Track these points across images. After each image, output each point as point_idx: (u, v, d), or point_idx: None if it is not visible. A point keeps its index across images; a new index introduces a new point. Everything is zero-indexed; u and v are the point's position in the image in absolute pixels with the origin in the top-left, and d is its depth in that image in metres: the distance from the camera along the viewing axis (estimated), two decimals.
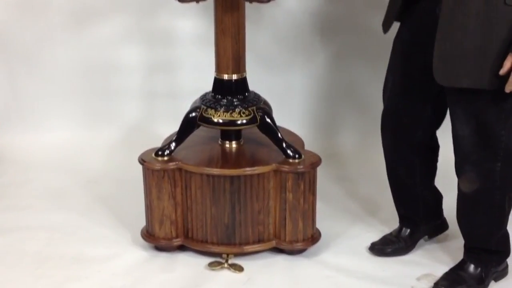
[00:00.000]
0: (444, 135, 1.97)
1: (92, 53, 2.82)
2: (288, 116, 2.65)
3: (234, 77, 2.06)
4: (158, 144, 2.17)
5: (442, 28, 1.65)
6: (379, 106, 2.06)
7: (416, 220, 2.11)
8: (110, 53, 2.83)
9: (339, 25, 2.77)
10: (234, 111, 2.04)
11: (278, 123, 2.10)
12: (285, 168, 2.00)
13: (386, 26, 1.90)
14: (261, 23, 2.75)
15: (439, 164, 2.07)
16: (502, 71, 1.61)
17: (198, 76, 2.75)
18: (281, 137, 2.05)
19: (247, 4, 1.90)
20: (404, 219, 2.14)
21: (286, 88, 2.87)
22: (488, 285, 1.93)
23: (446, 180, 2.12)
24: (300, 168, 2.00)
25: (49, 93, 2.88)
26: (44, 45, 2.80)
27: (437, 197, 2.13)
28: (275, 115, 2.16)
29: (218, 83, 2.09)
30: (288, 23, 2.78)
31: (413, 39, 1.83)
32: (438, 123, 1.98)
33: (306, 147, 2.21)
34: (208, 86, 2.14)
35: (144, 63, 2.86)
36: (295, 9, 2.72)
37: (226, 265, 2.02)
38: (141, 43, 2.83)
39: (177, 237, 2.09)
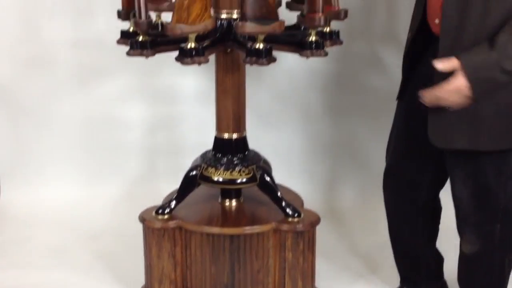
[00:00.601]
0: (446, 196, 1.97)
1: (95, 109, 2.86)
2: (288, 172, 2.67)
3: (234, 136, 2.09)
4: (159, 200, 2.18)
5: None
6: (379, 163, 2.08)
7: (417, 281, 2.10)
8: (113, 109, 2.87)
9: (339, 83, 2.81)
10: (234, 170, 2.06)
11: (277, 179, 2.11)
12: (285, 227, 2.01)
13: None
14: (261, 80, 2.80)
15: (441, 225, 2.07)
16: (441, 65, 1.61)
17: (199, 133, 2.79)
18: (280, 196, 2.06)
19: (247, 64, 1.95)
20: (405, 279, 2.13)
21: (286, 145, 2.89)
22: None
23: (447, 241, 2.11)
24: (299, 227, 2.01)
25: (52, 148, 2.91)
26: (49, 101, 2.85)
27: (439, 259, 2.12)
28: (274, 171, 2.17)
29: (219, 142, 2.11)
30: (288, 80, 2.82)
31: (415, 101, 1.86)
32: (441, 183, 1.98)
33: (306, 203, 2.22)
34: (209, 142, 2.17)
35: (146, 119, 2.90)
36: (295, 67, 2.77)
37: None
38: (144, 100, 2.87)
39: None
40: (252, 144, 2.17)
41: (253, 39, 1.78)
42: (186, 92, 2.85)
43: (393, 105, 2.04)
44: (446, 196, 1.95)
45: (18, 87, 2.81)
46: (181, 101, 2.87)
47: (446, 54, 1.63)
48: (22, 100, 2.84)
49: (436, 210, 2.05)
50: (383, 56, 2.72)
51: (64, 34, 2.75)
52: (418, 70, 1.84)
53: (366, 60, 2.74)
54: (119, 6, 1.99)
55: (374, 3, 2.68)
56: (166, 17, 2.06)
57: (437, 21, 1.70)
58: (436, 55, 1.66)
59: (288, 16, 1.97)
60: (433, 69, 1.64)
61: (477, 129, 1.66)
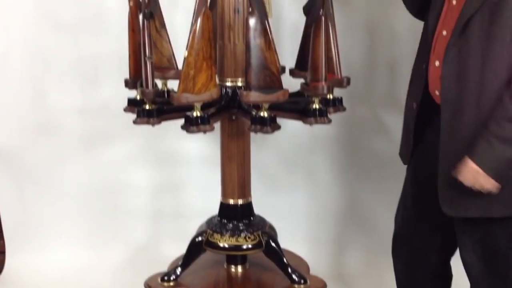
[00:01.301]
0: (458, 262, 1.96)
1: (100, 174, 2.88)
2: (293, 236, 2.66)
3: (240, 202, 2.10)
4: (165, 265, 2.18)
5: (443, 159, 1.70)
6: (385, 227, 2.08)
7: None
8: (118, 174, 2.89)
9: (343, 147, 2.84)
10: (240, 236, 2.06)
11: (283, 244, 2.11)
12: None
13: (403, 158, 1.95)
14: (266, 144, 2.83)
15: None
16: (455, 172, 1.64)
17: (205, 197, 2.79)
18: (286, 262, 2.06)
19: None
20: None
21: (291, 209, 2.90)
22: None
23: None
24: None
25: (57, 213, 2.91)
26: (55, 167, 2.87)
27: None
28: (280, 235, 2.18)
29: (224, 208, 2.12)
30: (292, 144, 2.85)
31: (423, 166, 1.88)
32: (451, 250, 1.96)
33: (312, 268, 2.21)
34: (214, 207, 2.18)
35: (152, 184, 2.92)
36: (299, 131, 2.80)
37: None
38: (149, 164, 2.90)
39: None
40: (257, 208, 2.18)
41: (258, 107, 1.81)
42: (191, 156, 2.88)
43: (397, 168, 2.06)
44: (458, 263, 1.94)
45: (25, 153, 2.84)
46: (186, 165, 2.89)
47: (449, 127, 1.67)
48: (28, 166, 2.86)
49: (446, 277, 2.03)
50: (386, 120, 2.75)
51: (71, 101, 2.79)
52: (425, 138, 1.86)
53: (370, 124, 2.78)
54: (125, 73, 2.04)
55: (375, 69, 2.73)
56: (172, 84, 2.11)
57: (437, 92, 1.73)
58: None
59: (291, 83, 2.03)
60: (438, 139, 1.67)
61: (490, 198, 1.66)
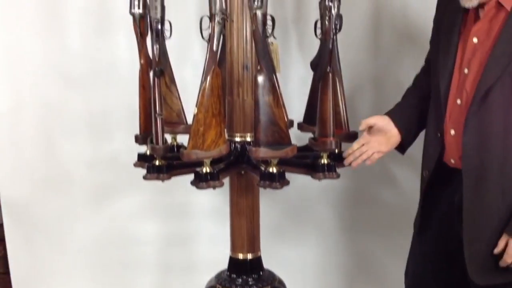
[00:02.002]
0: None
1: (109, 226, 2.89)
2: None
3: (249, 256, 2.10)
4: None
5: (468, 228, 1.70)
6: (394, 280, 2.06)
7: None
8: (127, 226, 2.90)
9: (351, 199, 2.84)
10: None
11: None
12: None
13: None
14: (275, 197, 2.83)
15: None
16: (497, 250, 1.64)
17: (213, 250, 2.79)
18: None
19: None
20: None
21: (300, 261, 2.88)
22: None
23: None
24: None
25: (66, 266, 2.91)
26: (64, 219, 2.88)
27: None
28: None
29: (233, 262, 2.12)
30: (300, 196, 2.85)
31: (431, 227, 1.88)
32: None
33: None
34: (223, 260, 2.17)
35: (160, 237, 2.92)
36: (308, 183, 2.79)
37: None
38: (158, 217, 2.90)
39: None
40: (266, 261, 2.17)
41: (267, 162, 1.83)
42: (200, 209, 2.88)
43: (406, 219, 2.06)
44: None
45: (34, 206, 2.86)
46: (195, 218, 2.89)
47: (472, 195, 1.67)
48: (38, 219, 2.87)
49: None
50: (395, 171, 2.76)
51: (81, 154, 2.82)
52: (441, 205, 1.86)
53: (378, 176, 2.78)
54: (134, 126, 2.06)
55: None
56: (182, 138, 2.14)
57: (452, 161, 1.75)
58: (456, 192, 1.70)
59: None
60: (459, 207, 1.68)
61: None
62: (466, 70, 1.69)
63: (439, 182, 1.84)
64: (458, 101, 1.72)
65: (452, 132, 1.74)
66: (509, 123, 1.60)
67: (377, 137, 1.93)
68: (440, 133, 1.79)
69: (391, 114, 1.96)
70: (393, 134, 1.94)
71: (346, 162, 1.90)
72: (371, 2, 2.64)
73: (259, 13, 1.71)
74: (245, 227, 2.07)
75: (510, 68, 1.58)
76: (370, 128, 1.94)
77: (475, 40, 1.68)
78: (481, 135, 1.65)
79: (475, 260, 1.71)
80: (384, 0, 2.63)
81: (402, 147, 1.99)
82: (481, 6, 1.68)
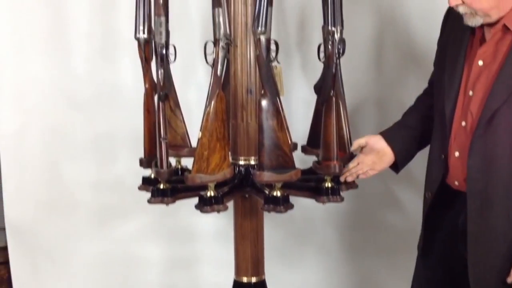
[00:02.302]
0: None
1: (113, 248, 2.89)
2: None
3: (254, 280, 2.09)
4: None
5: (473, 252, 1.69)
6: None
7: None
8: (131, 248, 2.90)
9: (355, 221, 2.84)
10: None
11: None
12: None
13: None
14: (278, 220, 2.82)
15: None
16: (510, 279, 1.63)
17: (217, 273, 2.78)
18: None
19: None
20: None
21: (304, 284, 2.87)
22: None
23: None
24: None
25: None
26: (69, 242, 2.88)
27: None
28: None
29: (238, 286, 2.11)
30: (304, 218, 2.85)
31: (435, 249, 1.87)
32: None
33: None
34: (227, 282, 2.17)
35: (164, 259, 2.92)
36: (311, 206, 2.79)
37: None
38: (162, 239, 2.90)
39: None
40: (270, 283, 2.16)
41: (271, 186, 1.83)
42: (204, 232, 2.89)
43: (410, 242, 2.05)
44: None
45: (39, 228, 2.86)
46: (198, 241, 2.89)
47: (477, 218, 1.67)
48: (42, 241, 2.87)
49: None
50: (399, 194, 2.76)
51: (86, 176, 2.83)
52: (444, 227, 1.86)
53: (382, 198, 2.78)
54: (139, 148, 2.07)
55: None
56: (186, 161, 2.14)
57: (456, 183, 1.75)
58: (460, 215, 1.71)
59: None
60: (463, 230, 1.68)
61: None
62: (471, 93, 1.70)
63: (441, 204, 1.84)
64: (463, 123, 1.72)
65: (457, 154, 1.74)
66: None
67: (371, 156, 1.95)
68: (444, 155, 1.79)
69: (384, 132, 1.98)
70: (386, 153, 1.95)
71: (341, 178, 1.93)
72: (375, 24, 2.66)
73: (263, 38, 1.73)
74: (249, 250, 2.07)
75: None
76: (363, 148, 1.95)
77: (480, 62, 1.69)
78: (487, 158, 1.65)
79: (480, 283, 1.70)
80: (387, 22, 2.65)
81: (396, 166, 1.98)
82: (487, 26, 1.68)
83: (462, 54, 1.75)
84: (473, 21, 1.66)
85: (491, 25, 1.67)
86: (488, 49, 1.68)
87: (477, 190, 1.67)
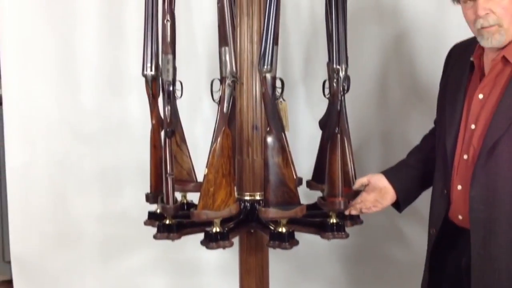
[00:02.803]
0: None
1: (119, 281, 2.89)
2: None
3: None
4: None
5: (477, 283, 1.68)
6: None
7: None
8: (136, 282, 2.89)
9: (360, 255, 2.83)
10: None
11: None
12: None
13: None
14: (284, 254, 2.78)
15: None
16: None
17: None
18: None
19: None
20: None
21: None
22: None
23: None
24: None
25: None
26: (74, 275, 2.88)
27: None
28: None
29: None
30: (309, 254, 2.84)
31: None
32: None
33: None
34: None
35: None
36: (317, 240, 2.78)
37: None
38: (166, 273, 2.90)
39: None
40: None
41: (276, 222, 1.84)
42: (209, 266, 2.88)
43: (415, 276, 2.05)
44: None
45: (44, 261, 2.87)
46: (204, 275, 2.89)
47: (480, 249, 1.67)
48: (47, 274, 2.88)
49: None
50: (404, 228, 2.76)
51: (92, 209, 2.84)
52: (449, 264, 1.85)
53: (387, 233, 2.78)
54: (144, 181, 2.08)
55: None
56: (192, 196, 2.16)
57: (460, 217, 1.75)
58: (464, 255, 1.70)
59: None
60: (466, 270, 1.68)
61: None
62: (473, 126, 1.71)
63: (445, 243, 1.84)
64: (465, 156, 1.73)
65: (459, 187, 1.74)
66: None
67: (373, 194, 1.96)
68: (447, 189, 1.79)
69: (386, 171, 2.00)
70: (388, 191, 1.96)
71: (346, 212, 1.95)
72: (379, 60, 2.69)
73: (268, 76, 1.76)
74: (254, 285, 2.07)
75: None
76: (366, 186, 1.96)
77: (480, 96, 1.70)
78: (489, 188, 1.65)
79: None
80: (392, 58, 2.68)
81: (398, 205, 1.99)
82: (487, 57, 1.70)
83: (462, 89, 1.76)
84: (498, 38, 1.63)
85: (490, 55, 1.69)
86: (488, 83, 1.69)
87: (480, 221, 1.67)
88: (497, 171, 1.64)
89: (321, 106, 2.15)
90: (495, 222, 1.65)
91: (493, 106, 1.65)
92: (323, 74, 2.10)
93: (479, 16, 1.62)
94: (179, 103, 2.02)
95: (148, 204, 2.09)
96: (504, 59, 1.66)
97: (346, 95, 1.93)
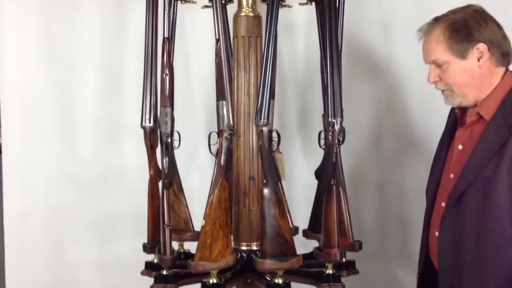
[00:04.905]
0: None
1: None
2: None
3: None
4: None
5: None
6: None
7: None
8: None
9: None
10: None
11: None
12: None
13: None
14: None
15: None
16: None
17: None
18: None
19: None
20: None
21: None
22: None
23: None
24: None
25: None
26: None
27: None
28: None
29: None
30: None
31: None
32: None
33: None
34: None
35: None
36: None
37: None
38: None
39: None
40: None
41: (273, 273, 1.86)
42: None
43: None
44: None
45: None
46: None
47: None
48: None
49: None
50: (400, 276, 2.76)
51: (88, 257, 2.84)
52: None
53: (384, 281, 2.78)
54: (141, 229, 2.11)
55: (387, 226, 2.78)
56: (189, 245, 2.17)
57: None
58: None
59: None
60: None
61: None
62: (451, 175, 1.77)
63: (427, 286, 1.87)
64: (443, 204, 1.78)
65: (436, 233, 1.78)
66: (482, 227, 1.64)
67: None
68: (426, 235, 1.85)
69: None
70: None
71: None
72: (374, 110, 2.73)
73: (265, 129, 1.80)
74: None
75: (484, 174, 1.64)
76: None
77: (460, 147, 1.77)
78: (456, 235, 1.70)
79: None
80: (386, 109, 2.72)
81: None
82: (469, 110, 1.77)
83: (447, 140, 1.84)
84: (452, 101, 1.75)
85: (471, 109, 1.75)
86: (464, 134, 1.76)
87: (447, 266, 1.72)
88: (463, 221, 1.69)
89: (317, 155, 2.18)
90: (461, 269, 1.69)
91: (466, 157, 1.71)
92: (319, 124, 2.14)
93: (430, 82, 1.76)
94: (177, 153, 2.05)
95: (144, 254, 2.10)
96: (479, 115, 1.73)
97: (342, 145, 1.97)
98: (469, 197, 1.67)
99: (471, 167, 1.68)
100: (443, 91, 1.75)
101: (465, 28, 1.68)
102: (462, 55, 1.68)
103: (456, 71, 1.70)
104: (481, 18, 1.69)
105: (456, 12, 1.72)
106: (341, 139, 1.92)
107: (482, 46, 1.67)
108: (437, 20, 1.74)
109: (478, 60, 1.68)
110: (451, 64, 1.70)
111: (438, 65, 1.72)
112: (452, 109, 1.87)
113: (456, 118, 1.82)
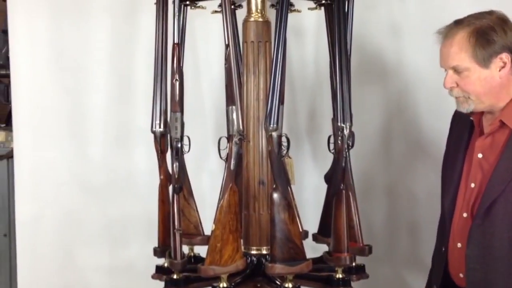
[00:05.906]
0: None
1: None
2: None
3: None
4: None
5: None
6: None
7: None
8: None
9: None
10: None
11: None
12: None
13: None
14: None
15: None
16: None
17: None
18: None
19: None
20: None
21: None
22: None
23: None
24: None
25: None
26: None
27: None
28: None
29: None
30: None
31: None
32: None
33: None
34: None
35: None
36: None
37: None
38: None
39: None
40: None
41: (282, 277, 1.86)
42: None
43: None
44: None
45: None
46: None
47: None
48: None
49: None
50: (410, 281, 2.76)
51: (99, 261, 2.85)
52: None
53: (393, 286, 2.78)
54: (152, 233, 2.11)
55: (397, 231, 2.79)
56: (199, 249, 2.18)
57: (461, 275, 1.75)
58: None
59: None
60: None
61: None
62: (472, 185, 1.74)
63: None
64: (465, 215, 1.75)
65: (459, 245, 1.76)
66: None
67: None
68: (445, 247, 1.81)
69: None
70: None
71: None
72: (383, 114, 2.73)
73: (274, 134, 1.80)
74: None
75: None
76: None
77: (480, 155, 1.74)
78: (485, 248, 1.67)
79: None
80: (396, 114, 2.73)
81: None
82: (486, 117, 1.75)
83: (462, 149, 1.80)
84: (466, 107, 1.71)
85: (489, 117, 1.73)
86: (486, 142, 1.73)
87: (476, 280, 1.68)
88: (493, 232, 1.66)
89: (327, 160, 2.18)
90: (492, 283, 1.66)
91: (491, 166, 1.69)
92: (329, 129, 2.14)
93: (445, 88, 1.71)
94: (187, 157, 2.06)
95: (155, 257, 2.11)
96: (501, 123, 1.70)
97: (351, 150, 1.97)
98: (499, 208, 1.64)
99: (500, 177, 1.65)
100: (457, 97, 1.72)
101: (491, 36, 1.63)
102: (485, 63, 1.64)
103: (476, 79, 1.66)
104: (507, 27, 1.65)
105: (480, 18, 1.66)
106: (350, 144, 1.92)
107: (505, 56, 1.64)
108: (459, 23, 1.68)
109: (499, 70, 1.65)
110: (472, 72, 1.65)
111: (458, 71, 1.67)
112: (460, 115, 1.85)
113: (472, 125, 1.80)
